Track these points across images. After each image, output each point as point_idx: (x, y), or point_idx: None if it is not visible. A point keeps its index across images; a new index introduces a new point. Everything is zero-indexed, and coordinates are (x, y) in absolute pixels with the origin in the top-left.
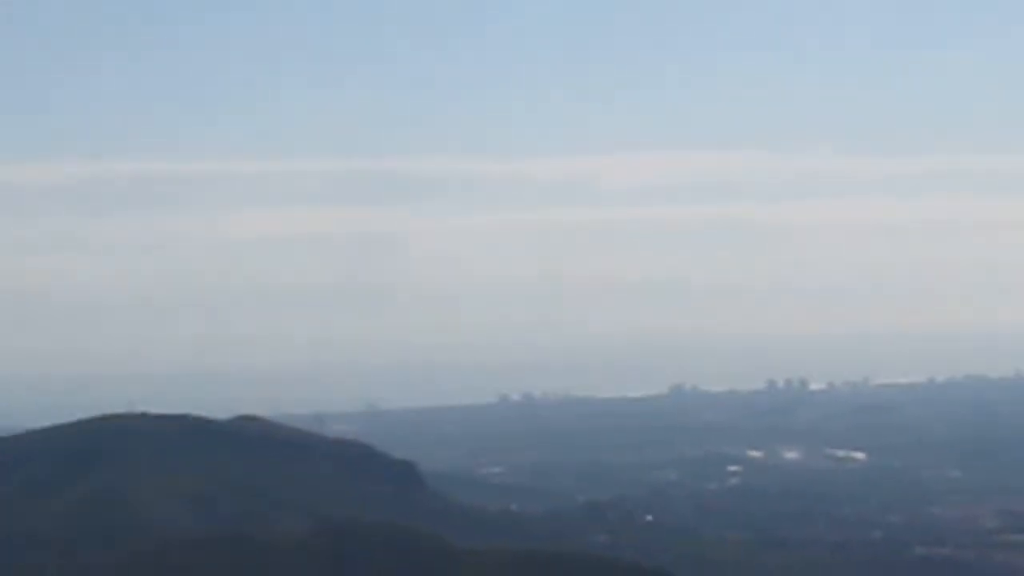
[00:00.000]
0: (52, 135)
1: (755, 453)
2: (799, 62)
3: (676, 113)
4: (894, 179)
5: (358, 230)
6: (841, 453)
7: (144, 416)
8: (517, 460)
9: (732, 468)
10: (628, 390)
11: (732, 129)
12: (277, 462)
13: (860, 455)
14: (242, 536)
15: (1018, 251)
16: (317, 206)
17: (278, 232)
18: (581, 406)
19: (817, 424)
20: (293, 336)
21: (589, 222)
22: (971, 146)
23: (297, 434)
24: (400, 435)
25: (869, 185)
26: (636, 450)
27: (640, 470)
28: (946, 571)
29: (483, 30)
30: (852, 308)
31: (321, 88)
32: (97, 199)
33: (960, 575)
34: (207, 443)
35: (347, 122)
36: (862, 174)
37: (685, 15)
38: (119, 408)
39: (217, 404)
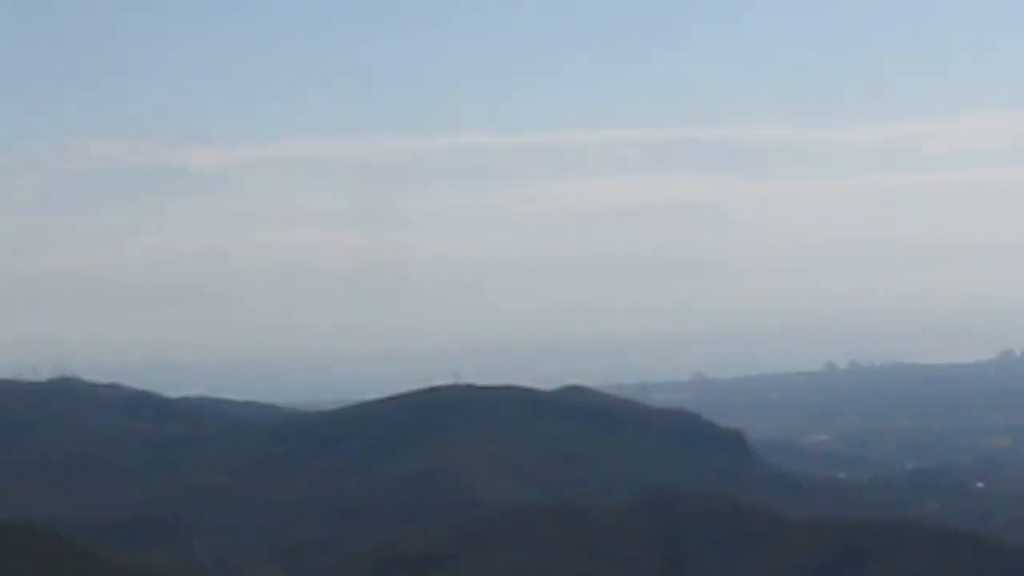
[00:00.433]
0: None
1: None
2: None
3: (997, 75)
4: None
5: (680, 200)
6: None
7: (470, 387)
8: (843, 427)
9: None
10: (956, 356)
11: None
12: (603, 431)
13: None
14: (566, 505)
15: None
16: (638, 176)
17: (594, 205)
18: (908, 372)
19: None
20: (613, 307)
21: (912, 187)
22: None
23: (623, 403)
24: (726, 404)
25: None
26: (964, 416)
27: (969, 436)
28: None
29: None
30: None
31: (638, 62)
32: (418, 173)
33: None
34: (534, 413)
35: (669, 93)
36: None
37: None
38: (446, 380)
39: (546, 375)
